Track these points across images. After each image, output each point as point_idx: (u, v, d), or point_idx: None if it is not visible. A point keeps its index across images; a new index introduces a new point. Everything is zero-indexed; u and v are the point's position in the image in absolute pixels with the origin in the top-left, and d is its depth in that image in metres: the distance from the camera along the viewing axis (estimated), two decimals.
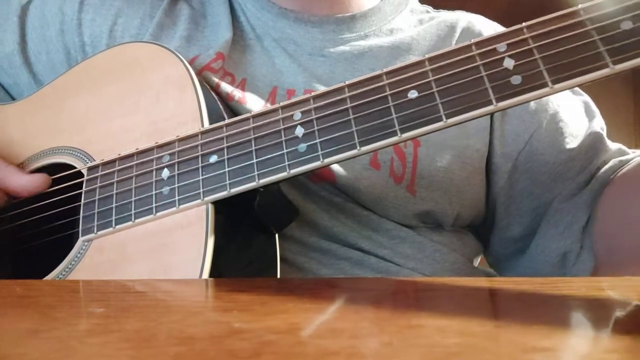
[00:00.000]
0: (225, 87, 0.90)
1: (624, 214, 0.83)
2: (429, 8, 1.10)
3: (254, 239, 0.77)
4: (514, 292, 0.49)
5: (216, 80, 0.90)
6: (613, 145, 0.93)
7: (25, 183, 0.80)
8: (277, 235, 0.78)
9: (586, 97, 1.00)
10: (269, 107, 0.72)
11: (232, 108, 0.88)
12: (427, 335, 0.35)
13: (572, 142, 0.91)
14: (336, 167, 0.84)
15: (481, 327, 0.37)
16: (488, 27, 1.04)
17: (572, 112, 0.95)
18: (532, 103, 0.93)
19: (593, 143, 0.91)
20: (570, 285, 0.52)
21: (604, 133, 0.94)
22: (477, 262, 1.04)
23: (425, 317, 0.40)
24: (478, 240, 1.02)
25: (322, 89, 0.81)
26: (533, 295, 0.47)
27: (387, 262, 0.86)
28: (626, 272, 0.84)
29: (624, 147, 0.93)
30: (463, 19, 1.05)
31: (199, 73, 0.90)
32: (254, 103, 0.89)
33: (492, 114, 0.92)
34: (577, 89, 1.00)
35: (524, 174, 0.93)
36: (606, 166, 0.89)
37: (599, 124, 0.95)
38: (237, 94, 0.89)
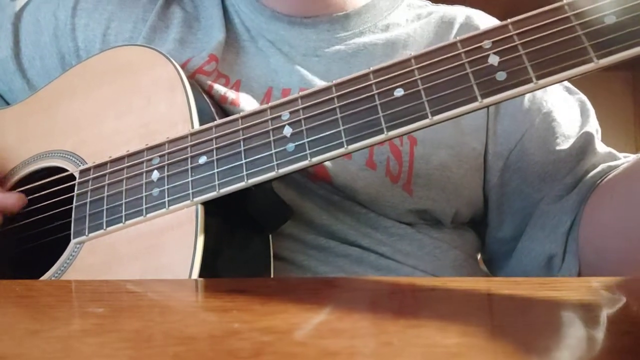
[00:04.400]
0: (219, 89, 0.89)
1: (607, 219, 0.83)
2: (428, 2, 1.09)
3: (246, 239, 0.77)
4: (513, 292, 0.49)
5: (209, 82, 0.90)
6: (603, 149, 0.92)
7: None
8: (270, 237, 0.79)
9: (582, 96, 0.99)
10: (258, 107, 0.72)
11: (225, 110, 0.88)
12: (428, 335, 0.35)
13: (563, 143, 0.91)
14: (332, 167, 0.84)
15: (481, 327, 0.37)
16: (487, 23, 1.02)
17: (566, 112, 0.95)
18: (525, 102, 0.93)
19: (583, 145, 0.91)
20: (569, 285, 0.53)
21: (598, 135, 0.94)
22: (477, 258, 1.04)
23: (426, 317, 0.40)
24: (478, 236, 1.02)
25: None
26: (532, 295, 0.47)
27: (387, 260, 0.86)
28: (614, 275, 0.84)
29: (615, 152, 0.92)
30: (461, 14, 1.03)
31: (192, 76, 0.90)
32: (247, 104, 0.88)
33: (487, 112, 0.92)
34: (572, 88, 0.99)
35: (515, 173, 0.93)
36: (594, 171, 0.89)
37: (593, 125, 0.94)
38: (230, 95, 0.89)
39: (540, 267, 0.90)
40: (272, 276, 0.77)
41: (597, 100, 0.98)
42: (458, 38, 0.65)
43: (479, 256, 1.04)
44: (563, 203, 0.88)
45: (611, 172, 0.87)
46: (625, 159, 0.90)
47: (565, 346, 0.35)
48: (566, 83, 0.99)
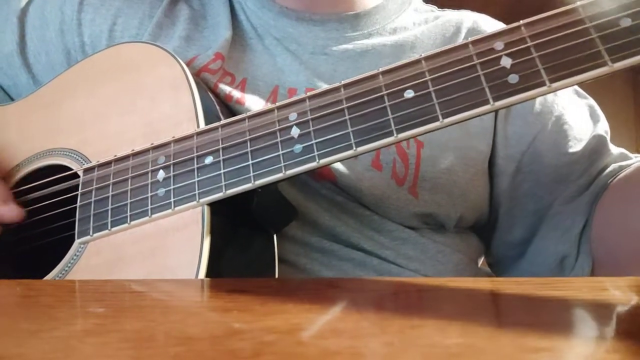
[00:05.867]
0: (224, 87, 0.89)
1: (620, 219, 0.83)
2: (434, 7, 1.10)
3: (251, 240, 0.76)
4: (514, 292, 0.48)
5: (214, 81, 0.90)
6: (615, 150, 0.93)
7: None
8: (275, 237, 0.78)
9: (591, 101, 0.99)
10: (265, 107, 0.71)
11: (230, 109, 0.88)
12: (428, 335, 0.35)
13: (576, 145, 0.91)
14: (337, 167, 0.84)
15: (482, 328, 0.37)
16: (494, 27, 1.00)
17: (577, 115, 0.95)
18: (537, 105, 0.93)
19: (596, 146, 0.91)
20: (570, 285, 0.52)
21: (608, 137, 0.93)
22: (480, 262, 1.04)
23: (426, 317, 0.40)
24: (481, 241, 1.01)
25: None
26: (534, 295, 0.47)
27: (390, 264, 0.85)
28: (625, 275, 0.84)
29: (627, 152, 0.93)
30: (468, 18, 1.04)
31: (197, 74, 0.89)
32: (253, 103, 0.88)
33: (495, 115, 0.92)
34: (581, 92, 1.00)
35: (528, 175, 0.93)
36: (606, 170, 0.89)
37: (604, 128, 0.94)
38: (235, 94, 0.89)
39: (552, 268, 0.90)
40: (276, 276, 0.76)
41: (598, 100, 0.98)
42: (470, 39, 0.64)
43: (480, 261, 1.03)
44: (576, 203, 0.88)
45: (622, 171, 0.87)
46: (637, 159, 0.91)
47: (567, 346, 0.34)
48: (576, 87, 0.99)
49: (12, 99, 1.09)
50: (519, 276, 0.98)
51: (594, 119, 0.96)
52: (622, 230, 0.83)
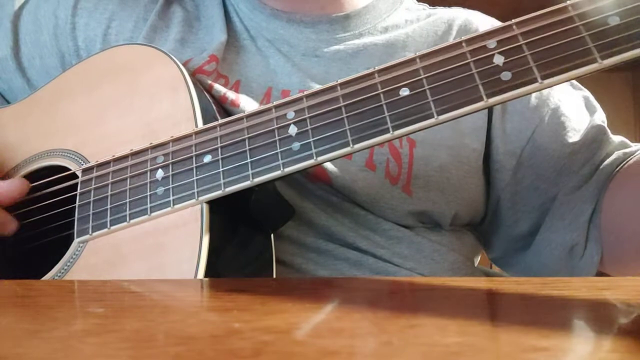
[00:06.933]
0: (219, 89, 0.89)
1: (629, 207, 0.83)
2: (425, 5, 1.09)
3: (250, 239, 0.77)
4: (513, 291, 0.48)
5: (209, 82, 0.90)
6: (616, 138, 0.93)
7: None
8: (272, 236, 0.78)
9: (586, 92, 0.99)
10: (263, 106, 0.72)
11: (226, 110, 0.88)
12: (427, 334, 0.35)
13: (575, 135, 0.91)
14: (332, 169, 0.84)
15: (481, 327, 0.37)
16: (485, 24, 1.02)
17: (573, 107, 0.95)
18: (533, 99, 0.93)
19: (596, 135, 0.91)
20: (570, 285, 0.52)
21: (605, 125, 0.93)
22: (477, 261, 1.04)
23: (426, 316, 0.40)
24: (477, 239, 1.01)
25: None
26: (533, 295, 0.47)
27: (386, 263, 0.85)
28: (633, 264, 0.84)
29: (626, 140, 0.93)
30: (460, 16, 1.03)
31: (192, 75, 0.89)
32: (247, 104, 0.88)
33: (490, 113, 0.93)
34: (577, 83, 1.00)
35: (529, 169, 0.93)
36: (610, 158, 0.89)
37: (600, 117, 0.94)
38: (230, 95, 0.89)
39: (561, 258, 0.90)
40: (274, 274, 0.77)
41: (597, 99, 0.98)
42: (463, 38, 0.65)
43: (476, 260, 1.03)
44: (582, 192, 0.89)
45: (629, 158, 0.87)
46: (637, 147, 0.91)
47: (566, 345, 0.34)
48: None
49: (8, 103, 1.09)
50: (526, 269, 0.98)
51: (590, 109, 0.96)
52: (629, 219, 0.83)
